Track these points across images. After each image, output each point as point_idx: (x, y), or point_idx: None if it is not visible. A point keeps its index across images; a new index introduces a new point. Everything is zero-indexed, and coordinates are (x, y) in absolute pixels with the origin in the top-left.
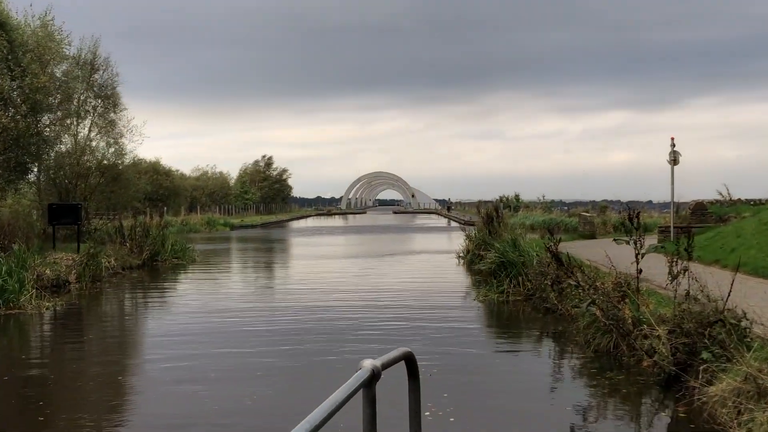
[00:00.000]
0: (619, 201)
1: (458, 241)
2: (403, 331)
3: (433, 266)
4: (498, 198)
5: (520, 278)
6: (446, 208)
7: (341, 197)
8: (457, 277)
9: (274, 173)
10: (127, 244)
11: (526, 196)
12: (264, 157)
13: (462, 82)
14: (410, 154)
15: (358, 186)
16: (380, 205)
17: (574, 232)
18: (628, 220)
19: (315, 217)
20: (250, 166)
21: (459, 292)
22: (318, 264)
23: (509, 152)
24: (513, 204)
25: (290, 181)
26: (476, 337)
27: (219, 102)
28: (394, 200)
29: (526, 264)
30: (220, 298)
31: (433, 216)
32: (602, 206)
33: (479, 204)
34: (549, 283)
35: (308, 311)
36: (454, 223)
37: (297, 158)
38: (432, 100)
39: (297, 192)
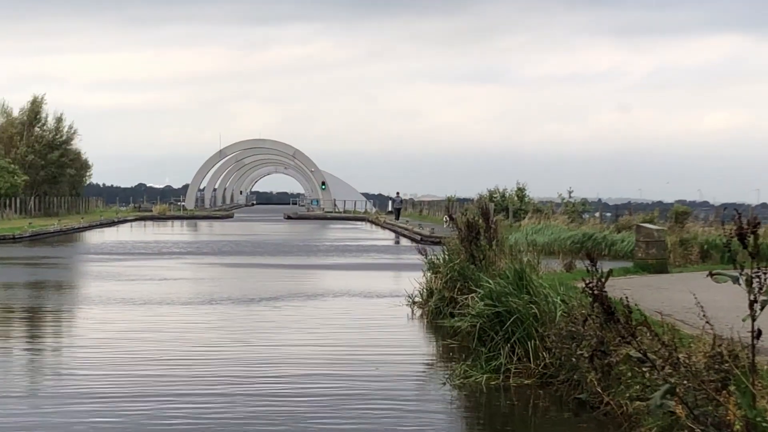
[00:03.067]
0: (706, 203)
1: (410, 273)
2: None
3: (364, 321)
4: (486, 193)
5: (530, 345)
6: (393, 210)
7: (187, 186)
8: (412, 341)
9: (49, 134)
10: None
11: (538, 192)
12: (35, 100)
13: None
14: (325, 110)
15: (220, 165)
16: (261, 202)
17: (626, 259)
18: (736, 237)
19: (135, 221)
20: (4, 119)
21: (416, 369)
22: (146, 320)
23: (514, 108)
24: (513, 204)
25: (90, 153)
26: None
27: None
28: (288, 194)
29: (541, 317)
30: None
31: (364, 225)
32: (679, 211)
33: (449, 204)
34: (586, 355)
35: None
36: (406, 241)
37: (108, 110)
38: (376, 7)
39: (105, 174)
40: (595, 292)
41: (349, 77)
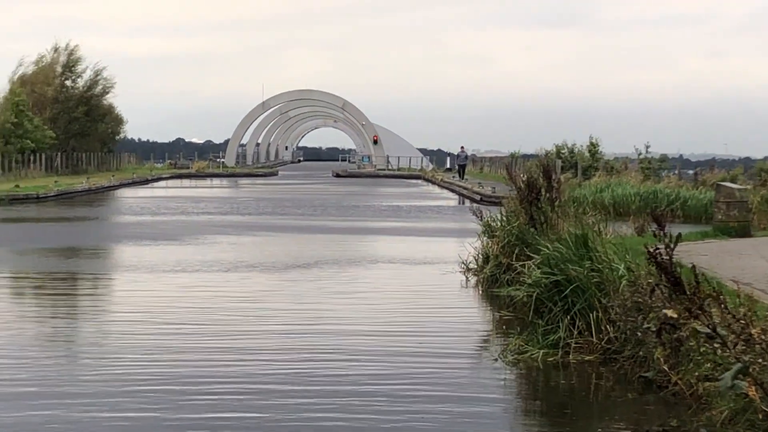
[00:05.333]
0: None
1: (468, 237)
2: None
3: (413, 290)
4: (553, 149)
5: (592, 317)
6: (452, 167)
7: (227, 142)
8: (463, 312)
9: (81, 83)
10: None
11: (613, 148)
12: (64, 48)
13: None
14: (383, 58)
15: (264, 118)
16: (309, 158)
17: (705, 222)
18: None
19: (171, 179)
20: (32, 69)
21: (466, 344)
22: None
23: (592, 55)
24: (584, 161)
25: (125, 106)
26: None
27: None
28: (338, 150)
29: (604, 287)
30: None
31: (419, 184)
32: (765, 168)
33: (510, 162)
34: (653, 329)
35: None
36: (465, 201)
37: (148, 58)
38: None
39: (141, 129)
40: (663, 260)
41: (412, 21)
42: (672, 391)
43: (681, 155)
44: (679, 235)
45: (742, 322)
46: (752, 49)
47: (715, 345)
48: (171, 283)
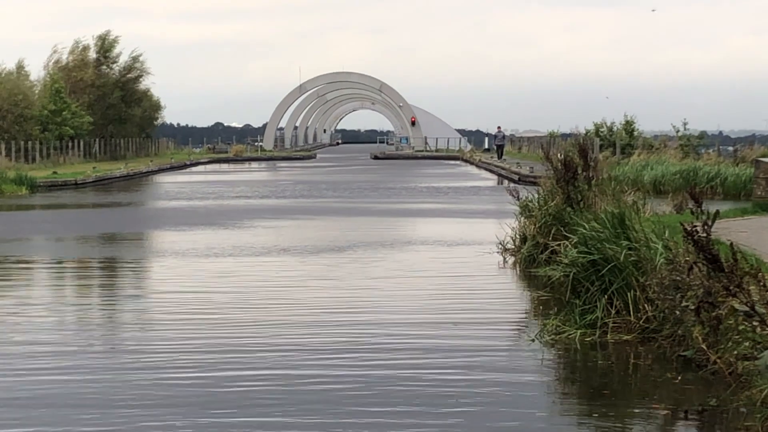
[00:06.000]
0: None
1: (506, 218)
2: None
3: (451, 270)
4: (592, 128)
5: (630, 296)
6: (491, 147)
7: (265, 125)
8: (501, 292)
9: (117, 68)
10: None
11: (653, 125)
12: (101, 36)
13: None
14: (424, 40)
15: (301, 102)
16: (348, 140)
17: (745, 199)
18: None
19: (209, 164)
20: (69, 58)
21: (503, 325)
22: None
23: (634, 33)
24: (621, 139)
25: (161, 91)
26: (543, 428)
27: None
28: (376, 132)
29: (642, 266)
30: None
31: (457, 164)
32: None
33: (549, 141)
34: (692, 308)
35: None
36: (504, 181)
37: (190, 43)
38: None
39: (181, 114)
40: (700, 237)
41: (454, 3)
42: (711, 370)
43: (720, 132)
44: (717, 212)
45: None
46: None
47: (754, 323)
48: (206, 269)
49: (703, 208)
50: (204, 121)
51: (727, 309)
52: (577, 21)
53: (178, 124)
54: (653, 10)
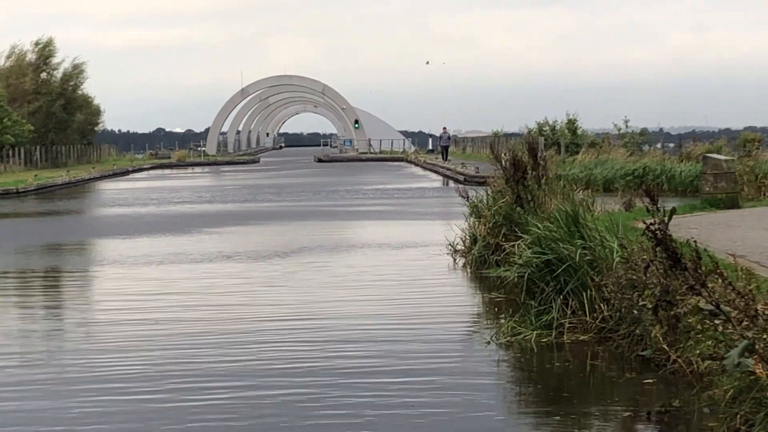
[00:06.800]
0: None
1: (454, 219)
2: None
3: (401, 272)
4: (535, 127)
5: (585, 296)
6: (435, 148)
7: (208, 130)
8: (453, 294)
9: (58, 75)
10: None
11: (595, 124)
12: (39, 42)
13: None
14: (367, 43)
15: (244, 105)
16: (291, 144)
17: (692, 195)
18: None
19: (152, 169)
20: (5, 63)
21: (457, 327)
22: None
23: (574, 32)
24: (565, 138)
25: (106, 97)
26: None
27: None
28: (320, 135)
29: (597, 265)
30: None
31: (401, 166)
32: (749, 139)
33: (494, 140)
34: (649, 306)
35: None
36: (450, 182)
37: (130, 48)
38: None
39: (122, 120)
40: (658, 235)
41: (396, 5)
42: (671, 370)
43: (661, 129)
44: (674, 209)
45: (746, 297)
46: (734, 22)
47: (717, 322)
48: (149, 277)
49: (657, 205)
50: (146, 127)
51: (688, 307)
52: (519, 21)
53: (119, 131)
54: None
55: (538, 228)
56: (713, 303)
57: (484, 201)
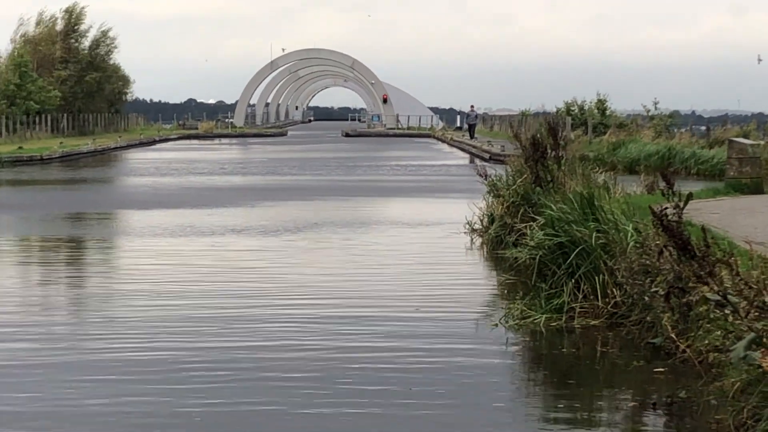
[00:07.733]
0: None
1: (476, 197)
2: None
3: (417, 251)
4: (563, 107)
5: (598, 280)
6: (462, 126)
7: (236, 103)
8: (466, 274)
9: (86, 42)
10: None
11: (626, 105)
12: (68, 9)
13: None
14: (398, 18)
15: (273, 78)
16: (320, 118)
17: (718, 179)
18: None
19: (179, 140)
20: (35, 30)
21: (467, 308)
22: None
23: (612, 11)
24: (593, 118)
25: (135, 66)
26: (504, 418)
27: None
28: (349, 109)
29: (611, 249)
30: None
31: (428, 143)
32: None
33: (519, 120)
34: (661, 293)
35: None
36: (475, 160)
37: (157, 21)
38: None
39: (154, 90)
40: (669, 221)
41: None
42: (680, 359)
43: (694, 111)
44: (690, 194)
45: (755, 287)
46: None
47: (726, 312)
48: (168, 250)
49: (675, 189)
50: (178, 98)
51: (699, 296)
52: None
53: (151, 100)
54: None
55: (552, 209)
56: (720, 293)
57: (503, 180)
